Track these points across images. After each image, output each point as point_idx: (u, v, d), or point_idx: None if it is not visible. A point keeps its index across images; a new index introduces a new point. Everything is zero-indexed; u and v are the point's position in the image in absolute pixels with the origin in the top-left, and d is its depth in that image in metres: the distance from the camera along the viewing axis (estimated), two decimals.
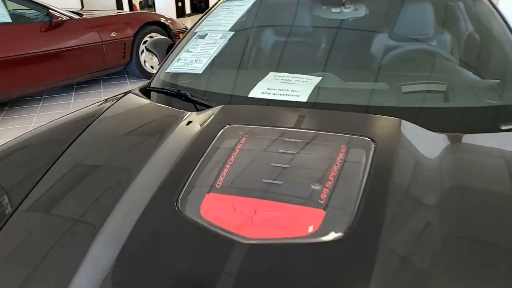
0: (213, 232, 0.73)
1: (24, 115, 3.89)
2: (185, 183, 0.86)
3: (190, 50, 1.63)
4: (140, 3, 9.24)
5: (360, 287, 0.63)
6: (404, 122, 1.07)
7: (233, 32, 1.62)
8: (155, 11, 8.98)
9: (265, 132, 1.04)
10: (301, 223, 0.74)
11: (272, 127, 1.06)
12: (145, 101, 1.42)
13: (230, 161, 0.92)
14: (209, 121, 1.11)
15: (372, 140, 0.98)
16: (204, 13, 1.88)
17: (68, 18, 4.03)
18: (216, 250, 0.69)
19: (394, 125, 1.06)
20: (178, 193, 0.83)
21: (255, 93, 1.33)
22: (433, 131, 1.06)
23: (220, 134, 1.03)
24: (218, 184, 0.85)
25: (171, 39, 4.90)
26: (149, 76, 4.87)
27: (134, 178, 0.93)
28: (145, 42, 4.76)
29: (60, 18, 3.91)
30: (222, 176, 0.87)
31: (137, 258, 0.71)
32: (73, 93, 4.50)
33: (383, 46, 1.57)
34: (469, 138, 1.06)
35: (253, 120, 1.11)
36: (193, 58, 1.57)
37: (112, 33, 4.31)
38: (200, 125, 1.11)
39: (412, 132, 1.04)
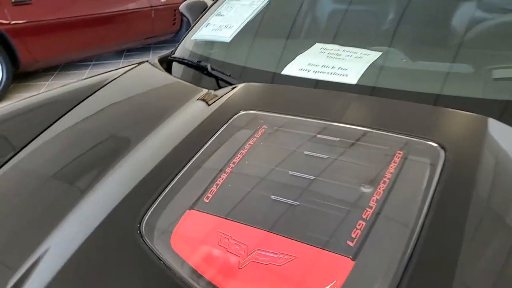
0: (177, 277, 0.48)
1: (71, 80, 3.88)
2: (165, 187, 0.62)
3: (222, 13, 1.36)
4: None
5: None
6: (492, 122, 0.75)
7: None
8: None
9: (291, 124, 0.76)
10: (316, 279, 0.47)
11: (302, 118, 0.78)
12: (158, 72, 1.20)
13: (234, 162, 0.66)
14: (221, 103, 0.86)
15: (442, 146, 0.67)
16: None
17: None
18: None
19: (478, 126, 0.75)
20: (151, 202, 0.59)
21: (290, 69, 1.04)
22: None
23: (230, 123, 0.77)
24: (207, 197, 0.59)
25: None
26: None
27: (115, 162, 0.71)
28: None
29: None
30: (216, 185, 0.61)
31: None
32: (122, 60, 4.43)
33: (468, 17, 1.19)
34: None
35: (278, 106, 0.83)
36: (223, 23, 1.30)
37: None
38: (211, 108, 0.86)
39: (504, 135, 0.72)
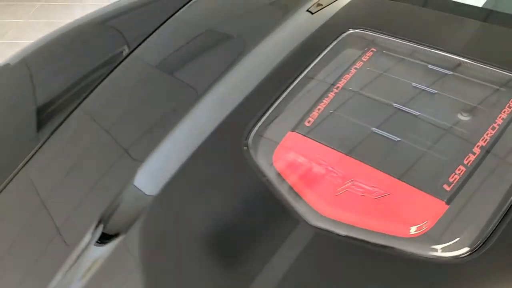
0: (276, 193, 0.54)
1: None
2: (271, 104, 0.65)
3: None
4: None
5: None
6: None
7: None
8: None
9: (402, 50, 0.72)
10: (408, 216, 0.50)
11: (415, 44, 0.73)
12: None
13: (338, 87, 0.66)
14: (330, 17, 0.82)
15: None
16: None
17: None
18: (272, 225, 0.51)
19: None
20: (258, 117, 0.63)
21: None
22: None
23: (337, 42, 0.75)
24: (309, 121, 0.62)
25: None
26: None
27: (227, 72, 0.74)
28: None
29: None
30: (318, 109, 0.63)
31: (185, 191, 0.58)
32: None
33: None
34: None
35: (390, 27, 0.77)
36: None
37: None
38: (318, 21, 0.82)
39: None
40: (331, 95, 0.65)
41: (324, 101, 0.64)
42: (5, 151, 0.73)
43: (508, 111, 0.59)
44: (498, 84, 0.63)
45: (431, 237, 0.48)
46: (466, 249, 0.47)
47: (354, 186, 0.52)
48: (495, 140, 0.56)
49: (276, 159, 0.58)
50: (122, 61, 0.83)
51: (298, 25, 0.83)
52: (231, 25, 0.91)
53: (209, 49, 0.85)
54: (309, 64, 0.70)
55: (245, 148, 0.59)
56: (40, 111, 0.78)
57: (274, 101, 0.65)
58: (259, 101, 0.66)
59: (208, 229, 0.53)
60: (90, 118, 0.74)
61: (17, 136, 0.76)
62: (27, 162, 0.68)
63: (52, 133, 0.72)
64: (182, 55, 0.84)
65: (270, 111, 0.64)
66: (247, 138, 0.60)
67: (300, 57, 0.73)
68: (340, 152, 0.57)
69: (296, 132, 0.60)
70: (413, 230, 0.48)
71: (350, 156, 0.56)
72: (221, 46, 0.85)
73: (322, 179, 0.54)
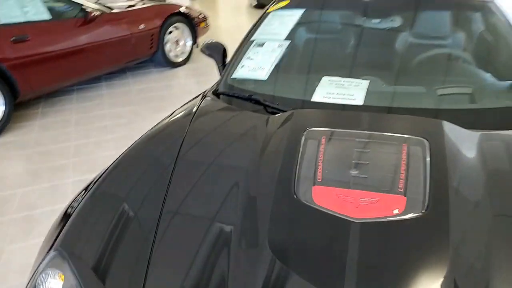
0: (329, 214, 1.02)
1: (63, 106, 4.16)
2: (294, 179, 1.14)
3: (251, 57, 1.88)
4: None
5: (442, 251, 0.92)
6: (445, 123, 1.34)
7: (289, 41, 1.88)
8: None
9: (339, 134, 1.31)
10: (391, 207, 1.03)
11: (344, 130, 1.33)
12: (224, 105, 1.68)
13: (320, 159, 1.20)
14: (291, 125, 1.37)
15: (426, 139, 1.25)
16: (256, 21, 2.13)
17: (101, 12, 4.24)
18: (335, 228, 0.99)
19: (439, 126, 1.32)
20: (292, 187, 1.12)
21: (317, 97, 1.59)
22: (467, 129, 1.33)
23: (305, 137, 1.30)
24: (319, 179, 1.14)
25: (194, 28, 5.09)
26: (173, 65, 5.11)
27: (251, 177, 1.19)
28: (170, 32, 4.98)
29: (93, 14, 4.13)
30: (319, 172, 1.16)
31: (281, 230, 1.02)
32: (103, 83, 4.73)
33: (418, 52, 1.83)
34: (497, 134, 1.33)
35: (326, 123, 1.37)
36: (256, 66, 1.83)
37: (141, 25, 4.53)
38: (285, 129, 1.38)
39: (453, 131, 1.30)
40: (319, 163, 1.18)
41: (319, 167, 1.17)
42: None
43: (405, 151, 1.21)
44: (394, 140, 1.26)
45: (405, 212, 1.01)
46: (419, 213, 1.01)
47: (362, 201, 1.04)
48: (407, 164, 1.15)
49: (314, 199, 1.07)
50: None
51: (278, 132, 1.37)
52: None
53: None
54: (299, 150, 1.24)
55: (295, 196, 1.08)
56: None
57: (295, 174, 1.15)
58: (288, 169, 1.16)
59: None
60: None
61: None
62: None
63: None
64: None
65: (296, 178, 1.14)
66: (295, 192, 1.09)
67: (292, 150, 1.25)
68: (344, 188, 1.09)
69: (316, 185, 1.11)
70: (396, 211, 1.02)
71: (351, 189, 1.09)
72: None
73: (346, 203, 1.05)
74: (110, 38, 4.26)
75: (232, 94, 1.75)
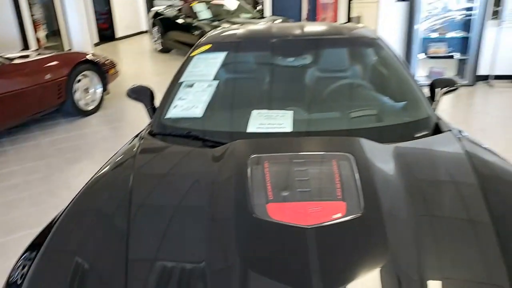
0: (286, 225, 1.15)
1: None
2: (249, 200, 1.26)
3: (183, 98, 2.00)
4: (46, 36, 8.91)
5: (381, 243, 1.11)
6: (362, 139, 1.59)
7: (217, 81, 2.04)
8: (64, 43, 8.73)
9: (278, 158, 1.48)
10: (335, 211, 1.21)
11: (282, 154, 1.51)
12: (164, 144, 1.75)
13: (268, 180, 1.35)
14: (236, 154, 1.50)
15: (350, 153, 1.48)
16: (181, 65, 2.26)
17: (0, 63, 4.00)
18: (293, 235, 1.13)
19: (358, 142, 1.56)
20: (249, 208, 1.23)
21: (251, 128, 1.76)
22: (379, 142, 1.60)
23: (250, 163, 1.44)
24: (270, 197, 1.27)
25: (103, 75, 5.03)
26: (84, 113, 4.95)
27: (211, 207, 1.27)
28: (78, 80, 4.84)
29: None
30: (269, 191, 1.29)
31: (248, 246, 1.12)
32: (5, 139, 4.39)
33: (329, 84, 2.13)
34: (402, 145, 1.61)
35: (266, 150, 1.54)
36: (189, 105, 1.95)
37: (47, 75, 4.35)
38: (230, 159, 1.50)
39: (370, 145, 1.55)
40: (268, 185, 1.33)
41: (268, 187, 1.31)
42: None
43: (336, 166, 1.41)
44: (324, 158, 1.47)
45: (347, 214, 1.19)
46: (359, 214, 1.20)
47: (310, 210, 1.20)
48: (340, 176, 1.35)
49: (269, 214, 1.20)
50: None
51: (222, 165, 1.49)
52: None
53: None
54: (247, 175, 1.37)
55: (252, 215, 1.20)
56: None
57: (249, 195, 1.27)
58: (242, 194, 1.28)
59: None
60: None
61: None
62: None
63: None
64: None
65: (251, 197, 1.26)
66: (252, 211, 1.21)
67: (241, 176, 1.37)
68: (294, 202, 1.24)
69: (270, 203, 1.25)
70: (339, 214, 1.20)
71: (299, 201, 1.24)
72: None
73: (297, 213, 1.20)
74: (12, 90, 4.01)
75: (169, 133, 1.83)
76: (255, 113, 1.86)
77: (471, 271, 1.06)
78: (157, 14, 9.69)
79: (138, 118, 4.90)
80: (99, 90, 5.18)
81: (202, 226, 1.22)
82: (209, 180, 1.41)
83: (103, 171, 1.61)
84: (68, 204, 1.44)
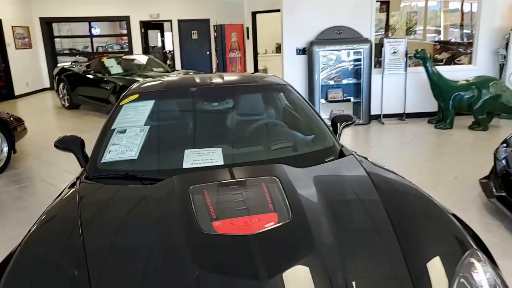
0: (232, 236, 1.35)
1: None
2: (196, 222, 1.41)
3: (116, 143, 2.10)
4: None
5: (309, 242, 1.34)
6: (283, 165, 1.85)
7: (148, 126, 2.19)
8: None
9: (216, 185, 1.68)
10: (270, 221, 1.42)
11: (217, 182, 1.71)
12: (105, 186, 1.82)
13: (210, 204, 1.52)
14: (177, 187, 1.65)
15: (275, 176, 1.72)
16: (110, 113, 2.36)
17: None
18: (239, 242, 1.32)
19: (281, 168, 1.81)
20: (198, 228, 1.39)
21: (187, 164, 1.93)
22: (297, 167, 1.87)
23: (191, 193, 1.60)
24: (214, 216, 1.45)
25: (10, 133, 4.76)
26: None
27: (163, 235, 1.39)
28: None
29: None
30: (212, 212, 1.47)
31: (202, 258, 1.28)
32: None
33: (250, 124, 2.42)
34: (315, 167, 1.91)
35: (203, 180, 1.72)
36: (124, 149, 2.05)
37: None
38: (172, 191, 1.64)
39: (290, 169, 1.81)
40: (211, 208, 1.49)
41: (211, 209, 1.48)
42: None
43: (265, 188, 1.64)
44: (253, 183, 1.69)
45: (279, 221, 1.41)
46: (288, 220, 1.43)
47: (251, 222, 1.39)
48: (270, 194, 1.57)
49: (215, 229, 1.38)
50: None
51: (166, 197, 1.63)
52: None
53: None
54: (191, 203, 1.52)
55: (200, 230, 1.37)
56: None
57: (196, 220, 1.43)
58: (189, 219, 1.43)
59: None
60: None
61: None
62: None
63: None
64: None
65: (198, 219, 1.42)
66: (199, 228, 1.38)
67: (184, 205, 1.52)
68: (235, 217, 1.43)
69: (214, 221, 1.41)
70: (273, 222, 1.41)
71: (239, 217, 1.43)
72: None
73: (238, 225, 1.38)
74: None
75: (107, 176, 1.91)
76: (188, 152, 2.04)
77: (380, 269, 1.33)
78: (63, 70, 9.44)
79: (50, 177, 4.68)
80: (6, 149, 4.85)
81: (159, 255, 1.33)
82: (156, 212, 1.53)
83: (42, 221, 1.62)
84: (10, 257, 1.40)
